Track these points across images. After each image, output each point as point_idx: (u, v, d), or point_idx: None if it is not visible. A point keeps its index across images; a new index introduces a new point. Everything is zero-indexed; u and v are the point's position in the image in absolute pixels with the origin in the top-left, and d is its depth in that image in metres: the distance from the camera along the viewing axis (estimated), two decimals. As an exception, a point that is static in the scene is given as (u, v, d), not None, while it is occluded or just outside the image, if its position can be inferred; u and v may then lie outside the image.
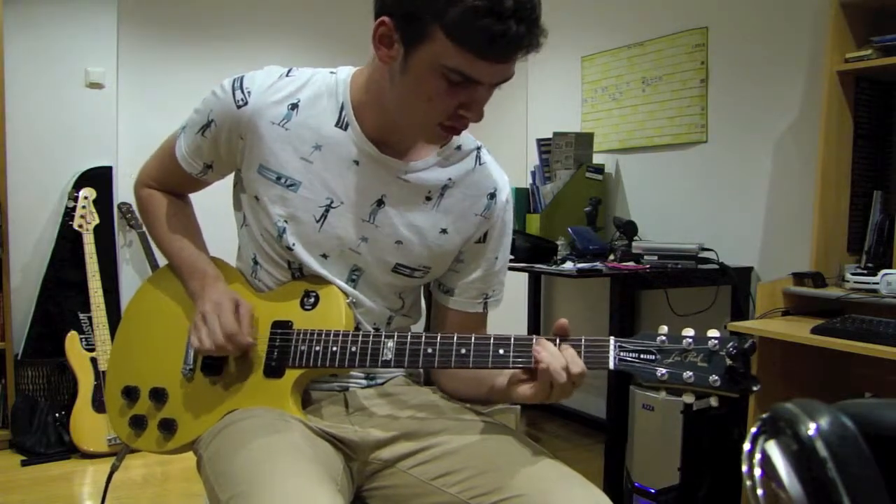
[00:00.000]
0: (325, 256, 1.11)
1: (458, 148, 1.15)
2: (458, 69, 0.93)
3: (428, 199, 1.12)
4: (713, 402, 0.93)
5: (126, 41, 3.22)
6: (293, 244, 1.10)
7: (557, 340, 0.97)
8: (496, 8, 0.87)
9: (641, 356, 0.94)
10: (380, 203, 1.11)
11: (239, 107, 1.08)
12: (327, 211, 1.09)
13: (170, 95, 3.29)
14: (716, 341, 0.91)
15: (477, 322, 1.21)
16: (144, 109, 3.26)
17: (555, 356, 0.94)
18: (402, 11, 0.93)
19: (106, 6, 3.14)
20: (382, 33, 0.96)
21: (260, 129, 1.08)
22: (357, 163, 1.09)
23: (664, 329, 0.95)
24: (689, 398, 0.93)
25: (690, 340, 0.92)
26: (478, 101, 0.98)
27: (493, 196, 1.16)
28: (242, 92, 1.08)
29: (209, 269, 1.18)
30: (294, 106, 1.08)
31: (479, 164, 1.16)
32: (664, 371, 0.92)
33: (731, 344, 0.89)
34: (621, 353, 0.94)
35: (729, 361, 0.89)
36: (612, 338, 0.95)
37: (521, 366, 0.98)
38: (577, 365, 0.93)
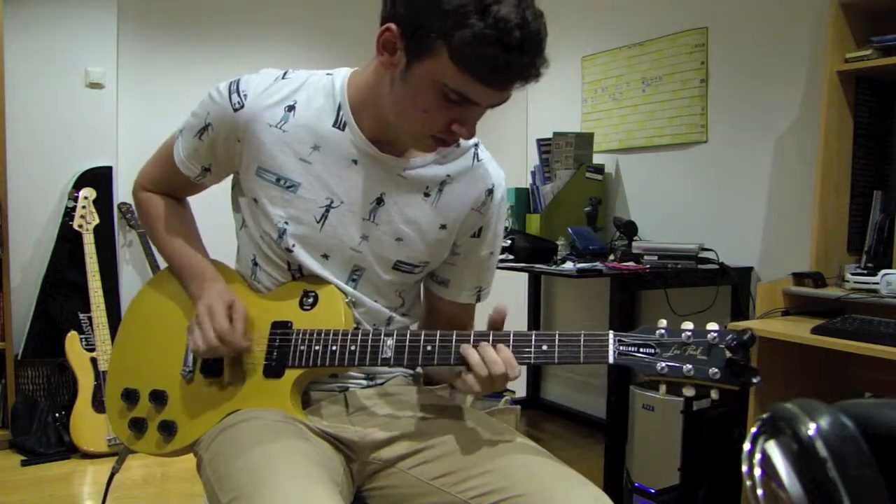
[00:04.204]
0: (325, 257, 1.11)
1: (457, 145, 1.15)
2: (456, 89, 0.93)
3: (426, 195, 1.12)
4: (714, 395, 0.93)
5: (126, 41, 3.22)
6: (293, 245, 1.10)
7: (491, 339, 0.98)
8: (505, 38, 0.88)
9: (641, 350, 0.94)
10: (379, 201, 1.11)
11: (235, 110, 1.08)
12: (327, 211, 1.09)
13: (170, 95, 3.29)
14: (715, 334, 0.91)
15: (469, 313, 1.25)
16: (144, 109, 3.26)
17: (486, 363, 0.96)
18: (410, 22, 0.93)
19: (106, 6, 3.14)
20: (387, 39, 0.96)
21: (257, 132, 1.08)
22: (356, 162, 1.09)
23: (663, 323, 0.95)
24: (689, 392, 0.93)
25: (690, 334, 0.92)
26: (471, 119, 0.99)
27: (490, 192, 1.17)
28: (239, 95, 1.08)
29: (207, 270, 1.18)
30: (291, 108, 1.08)
31: (478, 161, 1.17)
32: (664, 364, 0.92)
33: (730, 336, 0.89)
34: (620, 347, 0.94)
35: (729, 354, 0.89)
36: (611, 332, 0.95)
37: (519, 362, 0.98)
38: (499, 366, 0.95)
